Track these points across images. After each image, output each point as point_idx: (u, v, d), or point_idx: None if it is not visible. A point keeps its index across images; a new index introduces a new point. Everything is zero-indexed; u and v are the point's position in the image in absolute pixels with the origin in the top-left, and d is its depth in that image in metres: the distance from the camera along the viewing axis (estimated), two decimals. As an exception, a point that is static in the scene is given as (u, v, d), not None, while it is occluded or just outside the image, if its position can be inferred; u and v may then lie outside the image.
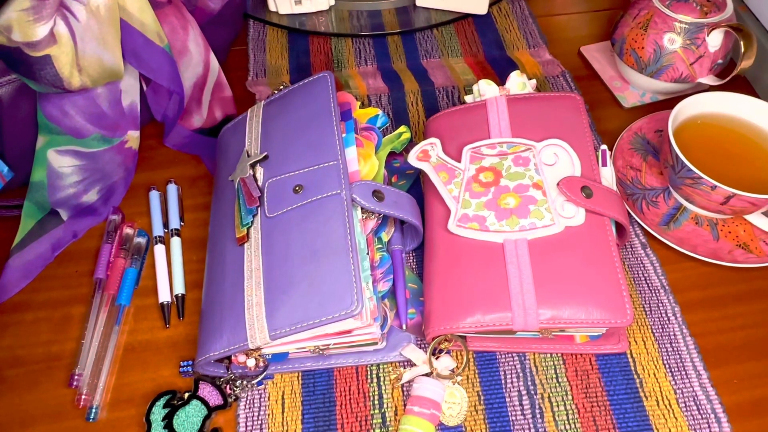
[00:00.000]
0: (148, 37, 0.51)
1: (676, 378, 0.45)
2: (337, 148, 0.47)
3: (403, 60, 0.69)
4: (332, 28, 0.72)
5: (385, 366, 0.46)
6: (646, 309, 0.49)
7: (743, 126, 0.53)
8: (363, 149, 0.50)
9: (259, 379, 0.45)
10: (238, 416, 0.44)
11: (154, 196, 0.56)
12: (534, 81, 0.56)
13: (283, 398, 0.45)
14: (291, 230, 0.44)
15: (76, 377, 0.45)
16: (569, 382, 0.45)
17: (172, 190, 0.56)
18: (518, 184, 0.46)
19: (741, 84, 0.65)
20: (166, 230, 0.54)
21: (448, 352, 0.46)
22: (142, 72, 0.52)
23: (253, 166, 0.49)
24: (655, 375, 0.45)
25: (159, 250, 0.52)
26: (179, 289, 0.50)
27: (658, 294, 0.49)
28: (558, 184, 0.45)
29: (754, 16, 0.67)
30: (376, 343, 0.45)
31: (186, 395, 0.44)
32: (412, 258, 0.52)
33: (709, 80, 0.59)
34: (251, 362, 0.43)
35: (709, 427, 0.43)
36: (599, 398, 0.44)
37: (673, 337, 0.47)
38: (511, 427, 0.43)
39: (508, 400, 0.44)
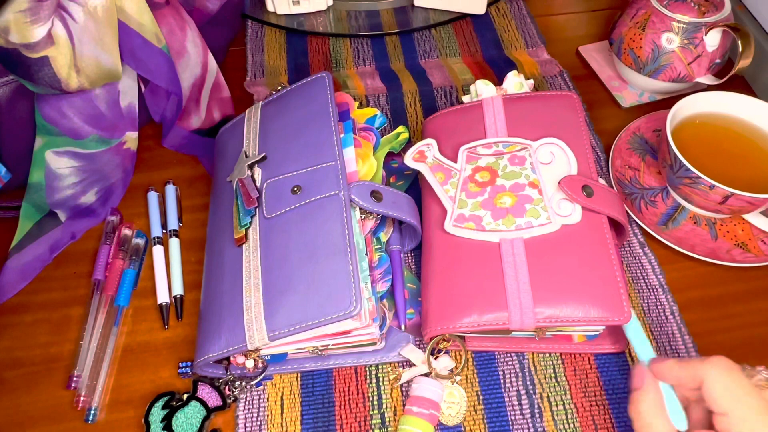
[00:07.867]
0: (146, 38, 0.51)
1: (674, 377, 0.45)
2: (335, 148, 0.47)
3: (402, 60, 0.69)
4: (330, 28, 0.72)
5: (384, 366, 0.46)
6: (645, 308, 0.49)
7: (741, 125, 0.53)
8: (361, 149, 0.50)
9: (258, 380, 0.45)
10: (237, 417, 0.44)
11: (153, 197, 0.56)
12: (531, 81, 0.56)
13: (282, 399, 0.45)
14: (289, 231, 0.44)
15: (74, 379, 0.45)
16: (568, 382, 0.45)
17: (171, 190, 0.56)
18: (514, 183, 0.46)
19: (739, 83, 0.65)
20: (164, 231, 0.54)
21: (446, 352, 0.46)
22: (140, 73, 0.52)
23: (251, 166, 0.49)
24: (653, 374, 0.45)
25: (157, 251, 0.52)
26: (178, 290, 0.50)
27: (656, 293, 0.50)
28: (559, 183, 0.45)
29: (752, 15, 0.67)
30: (375, 344, 0.45)
31: (185, 396, 0.44)
32: (410, 258, 0.52)
33: (707, 80, 0.59)
34: (250, 363, 0.43)
35: (707, 426, 0.43)
36: (598, 397, 0.44)
37: (671, 336, 0.47)
38: (510, 427, 0.43)
39: (507, 399, 0.44)
